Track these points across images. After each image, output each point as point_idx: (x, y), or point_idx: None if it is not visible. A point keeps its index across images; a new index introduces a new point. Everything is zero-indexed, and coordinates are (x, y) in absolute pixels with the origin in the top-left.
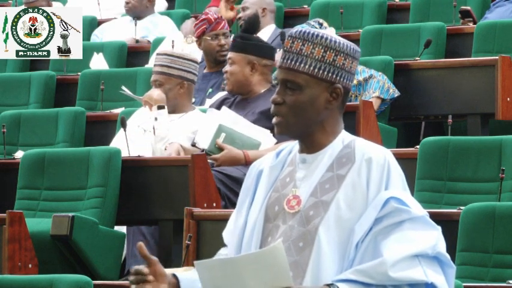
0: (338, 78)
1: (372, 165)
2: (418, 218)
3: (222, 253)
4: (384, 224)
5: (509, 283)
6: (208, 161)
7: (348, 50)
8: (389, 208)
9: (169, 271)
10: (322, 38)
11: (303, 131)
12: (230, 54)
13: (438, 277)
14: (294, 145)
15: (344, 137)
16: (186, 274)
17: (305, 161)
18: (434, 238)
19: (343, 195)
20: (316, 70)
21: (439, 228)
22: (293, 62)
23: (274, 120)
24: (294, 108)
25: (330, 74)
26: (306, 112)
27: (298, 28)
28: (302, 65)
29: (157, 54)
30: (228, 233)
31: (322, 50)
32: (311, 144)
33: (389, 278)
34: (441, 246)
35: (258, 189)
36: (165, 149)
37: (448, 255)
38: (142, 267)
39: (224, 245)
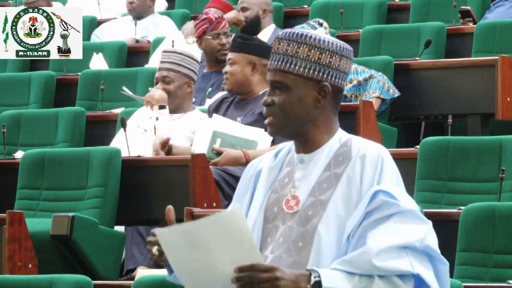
0: (325, 76)
1: (366, 161)
2: (407, 211)
3: None
4: (373, 218)
5: (509, 283)
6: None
7: (334, 47)
8: (378, 201)
9: None
10: (307, 37)
11: (295, 131)
12: (230, 55)
13: (425, 270)
14: (292, 145)
15: (341, 136)
16: None
17: (303, 161)
18: (422, 232)
19: (340, 193)
20: (301, 69)
21: (430, 222)
22: (279, 63)
23: (266, 121)
24: (284, 109)
25: (315, 73)
26: (295, 111)
27: (285, 30)
28: (288, 65)
29: (165, 51)
30: None
31: (307, 49)
32: (306, 144)
33: (374, 267)
34: (430, 240)
35: (257, 190)
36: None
37: (438, 251)
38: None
39: None
